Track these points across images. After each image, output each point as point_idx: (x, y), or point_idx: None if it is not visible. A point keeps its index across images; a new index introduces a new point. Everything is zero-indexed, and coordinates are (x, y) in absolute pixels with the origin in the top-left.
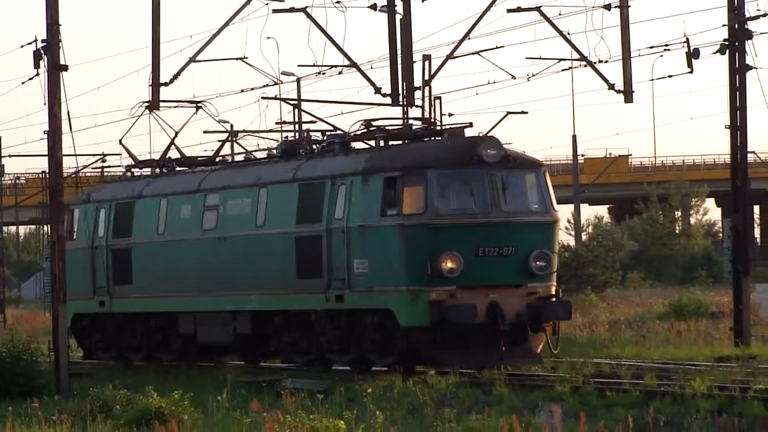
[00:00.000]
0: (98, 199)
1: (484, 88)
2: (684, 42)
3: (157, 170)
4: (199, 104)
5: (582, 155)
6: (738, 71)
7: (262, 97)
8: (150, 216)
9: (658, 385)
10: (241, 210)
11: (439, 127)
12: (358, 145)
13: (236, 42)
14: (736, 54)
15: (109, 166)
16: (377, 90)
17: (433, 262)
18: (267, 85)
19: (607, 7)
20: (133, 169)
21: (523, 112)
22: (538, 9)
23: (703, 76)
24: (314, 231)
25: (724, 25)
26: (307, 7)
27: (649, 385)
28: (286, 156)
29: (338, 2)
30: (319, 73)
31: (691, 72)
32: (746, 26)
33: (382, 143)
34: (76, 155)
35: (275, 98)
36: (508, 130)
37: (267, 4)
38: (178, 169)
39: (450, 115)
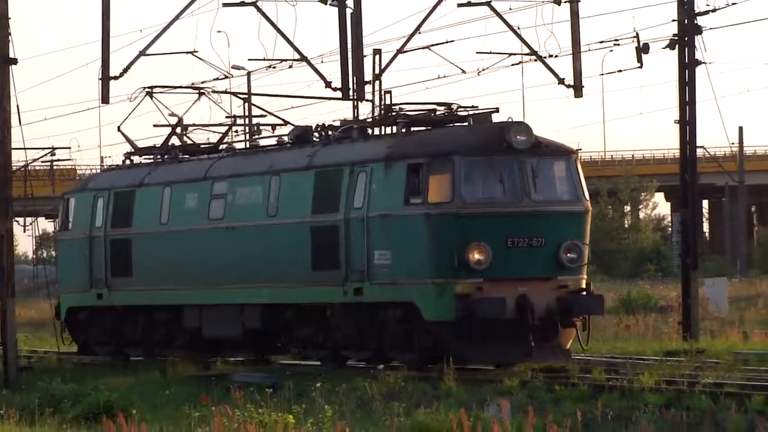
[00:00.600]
0: (95, 187)
1: (434, 83)
2: (634, 37)
3: (158, 158)
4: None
5: None
6: (687, 66)
7: (213, 91)
8: (152, 205)
9: (606, 379)
10: (251, 199)
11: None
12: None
13: (187, 35)
14: (686, 49)
15: (58, 160)
16: (327, 84)
17: (460, 253)
18: (217, 79)
19: (557, 1)
20: (132, 157)
21: (473, 107)
22: (488, 4)
23: (653, 71)
24: (331, 221)
25: (673, 21)
26: (257, 0)
27: (597, 379)
28: (299, 143)
29: None
30: (269, 67)
31: (641, 67)
32: (696, 21)
33: (403, 129)
34: (25, 149)
35: (225, 92)
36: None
37: None
38: (181, 156)
39: (473, 107)
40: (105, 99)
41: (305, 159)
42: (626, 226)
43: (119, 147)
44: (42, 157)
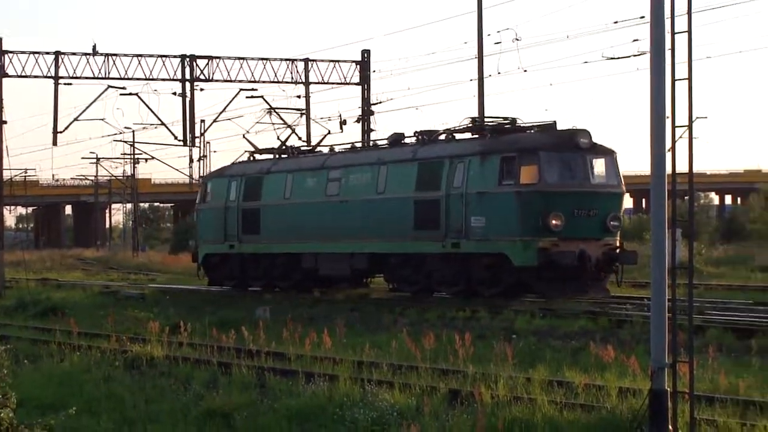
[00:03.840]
0: (229, 174)
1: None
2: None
3: (276, 156)
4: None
5: None
6: (368, 132)
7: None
8: (278, 186)
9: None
10: (362, 181)
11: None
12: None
13: None
14: (368, 124)
15: (29, 176)
16: (175, 137)
17: (542, 219)
18: None
19: None
20: (254, 155)
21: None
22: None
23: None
24: (433, 196)
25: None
26: (138, 92)
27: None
28: (394, 143)
29: (155, 90)
30: (143, 127)
31: (341, 132)
32: (371, 107)
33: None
34: (10, 169)
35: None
36: None
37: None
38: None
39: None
40: (54, 142)
41: (410, 153)
42: None
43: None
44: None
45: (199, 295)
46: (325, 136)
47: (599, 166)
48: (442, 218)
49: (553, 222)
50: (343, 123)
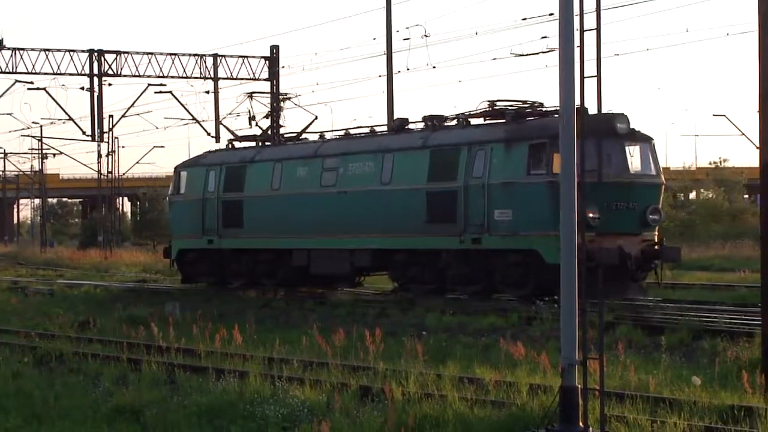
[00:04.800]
0: (206, 163)
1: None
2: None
3: (259, 144)
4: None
5: None
6: None
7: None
8: (263, 176)
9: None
10: (363, 171)
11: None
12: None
13: None
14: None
15: None
16: (84, 132)
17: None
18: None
19: None
20: (234, 143)
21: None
22: None
23: None
24: (449, 187)
25: None
26: (46, 87)
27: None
28: (398, 129)
29: (63, 85)
30: (51, 122)
31: None
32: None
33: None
34: None
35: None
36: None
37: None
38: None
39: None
40: None
41: (419, 140)
42: None
43: None
44: None
45: (108, 291)
46: (312, 122)
47: (639, 153)
48: (459, 211)
49: (590, 215)
50: (252, 119)
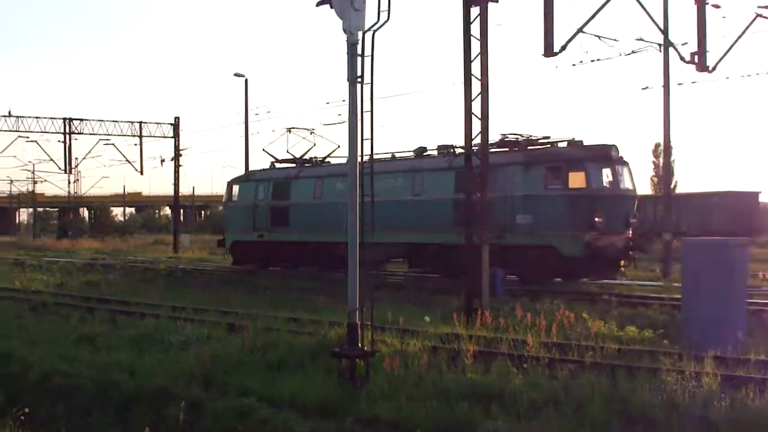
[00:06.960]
0: (255, 179)
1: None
2: None
3: (298, 164)
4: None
5: None
6: None
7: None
8: (306, 189)
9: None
10: (396, 185)
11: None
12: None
13: None
14: None
15: None
16: (59, 167)
17: (589, 217)
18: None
19: None
20: (276, 164)
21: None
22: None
23: None
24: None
25: None
26: (37, 140)
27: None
28: (419, 155)
29: (47, 139)
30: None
31: None
32: None
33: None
34: None
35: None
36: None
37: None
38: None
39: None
40: None
41: (446, 163)
42: None
43: None
44: None
45: (74, 265)
46: (335, 150)
47: (623, 174)
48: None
49: (597, 220)
50: (162, 161)
